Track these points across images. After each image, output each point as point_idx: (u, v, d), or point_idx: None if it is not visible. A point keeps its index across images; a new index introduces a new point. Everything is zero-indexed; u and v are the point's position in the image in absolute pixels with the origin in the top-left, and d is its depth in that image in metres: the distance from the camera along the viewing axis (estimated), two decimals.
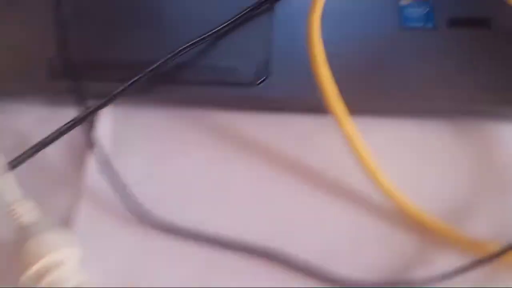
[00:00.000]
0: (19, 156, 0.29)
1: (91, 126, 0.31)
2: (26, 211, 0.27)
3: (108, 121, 0.32)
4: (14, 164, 0.28)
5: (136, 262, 0.29)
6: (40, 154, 0.29)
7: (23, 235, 0.26)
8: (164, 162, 0.31)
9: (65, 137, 0.30)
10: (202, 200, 0.30)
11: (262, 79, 0.31)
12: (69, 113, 0.30)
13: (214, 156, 0.31)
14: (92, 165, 0.31)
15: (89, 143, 0.31)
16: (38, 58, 0.33)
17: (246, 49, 0.32)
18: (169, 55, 0.31)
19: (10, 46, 0.34)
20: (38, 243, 0.26)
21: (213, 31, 0.32)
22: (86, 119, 0.30)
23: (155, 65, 0.31)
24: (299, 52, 0.29)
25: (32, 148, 0.29)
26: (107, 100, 0.30)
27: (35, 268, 0.25)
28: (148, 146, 0.32)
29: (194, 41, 0.31)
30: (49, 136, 0.29)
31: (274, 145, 0.31)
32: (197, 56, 0.32)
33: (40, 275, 0.25)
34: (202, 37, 0.31)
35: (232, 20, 0.32)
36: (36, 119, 0.33)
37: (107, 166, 0.30)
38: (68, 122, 0.30)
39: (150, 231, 0.29)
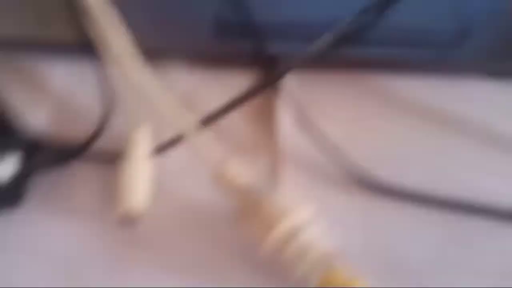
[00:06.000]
0: (205, 119, 0.28)
1: (274, 91, 0.31)
2: (237, 171, 0.26)
3: (292, 86, 0.31)
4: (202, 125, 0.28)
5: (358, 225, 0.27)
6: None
7: (247, 196, 0.25)
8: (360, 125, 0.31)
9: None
10: (411, 163, 0.29)
11: (458, 40, 0.30)
12: (234, 75, 0.31)
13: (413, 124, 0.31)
14: (286, 129, 0.30)
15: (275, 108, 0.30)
16: (202, 13, 0.32)
17: (438, 9, 0.31)
18: (357, 15, 0.29)
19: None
20: (275, 204, 0.24)
21: None
22: (271, 84, 0.30)
23: (342, 25, 0.29)
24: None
25: (217, 112, 0.29)
26: (291, 63, 0.29)
27: (280, 230, 0.24)
28: (337, 112, 0.31)
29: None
30: (233, 101, 0.29)
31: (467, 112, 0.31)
32: (384, 15, 0.31)
33: (286, 237, 0.24)
34: None
35: None
36: (199, 80, 0.32)
37: (306, 129, 0.29)
38: (254, 87, 0.30)
39: (367, 193, 0.28)
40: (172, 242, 0.26)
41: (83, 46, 0.30)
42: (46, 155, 0.26)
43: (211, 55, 0.32)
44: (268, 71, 0.31)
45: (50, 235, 0.26)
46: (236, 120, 0.30)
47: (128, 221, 0.25)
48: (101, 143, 0.29)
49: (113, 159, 0.28)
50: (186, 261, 0.26)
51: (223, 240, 0.26)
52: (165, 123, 0.27)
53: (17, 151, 0.24)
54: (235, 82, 0.31)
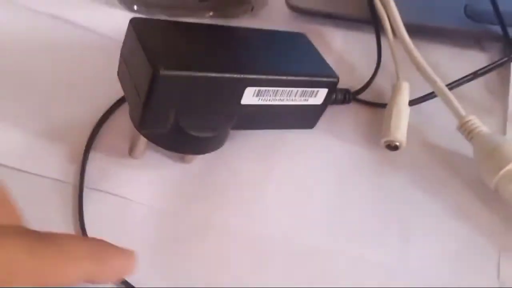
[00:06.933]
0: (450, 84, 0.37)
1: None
2: (479, 124, 0.34)
3: None
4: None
5: None
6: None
7: (487, 142, 0.34)
8: None
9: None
10: None
11: None
12: (476, 52, 0.40)
13: None
14: None
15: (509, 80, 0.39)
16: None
17: None
18: None
19: None
20: (509, 149, 0.33)
21: None
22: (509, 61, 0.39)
23: None
24: None
25: (461, 80, 0.38)
26: None
27: (508, 168, 0.32)
28: None
29: None
30: (475, 72, 0.38)
31: None
32: None
33: None
34: None
35: None
36: (448, 55, 0.42)
37: None
38: (493, 62, 0.38)
39: None
40: (418, 168, 0.36)
41: (361, 19, 0.42)
42: (337, 95, 0.37)
43: (460, 34, 0.41)
44: (507, 50, 0.39)
45: (332, 151, 0.37)
46: (476, 87, 0.39)
47: (392, 147, 0.35)
48: (368, 93, 0.39)
49: (377, 105, 0.38)
50: (431, 183, 0.35)
51: (459, 173, 0.35)
52: (420, 83, 0.37)
53: (325, 89, 0.35)
54: (477, 58, 0.40)
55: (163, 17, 0.45)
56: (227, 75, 0.30)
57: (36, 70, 0.39)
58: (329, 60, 0.37)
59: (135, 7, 0.44)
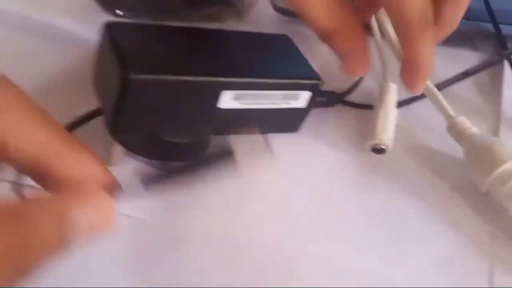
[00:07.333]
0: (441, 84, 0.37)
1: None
2: (469, 125, 0.34)
3: None
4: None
5: None
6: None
7: (478, 143, 0.33)
8: None
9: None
10: None
11: None
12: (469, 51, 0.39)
13: None
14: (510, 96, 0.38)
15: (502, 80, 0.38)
16: None
17: None
18: None
19: None
20: (501, 149, 0.32)
21: None
22: (502, 60, 0.38)
23: None
24: None
25: (452, 79, 0.37)
26: None
27: (501, 169, 0.31)
28: None
29: None
30: (465, 71, 0.37)
31: None
32: None
33: (505, 177, 0.31)
34: None
35: None
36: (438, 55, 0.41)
37: None
38: (485, 61, 0.38)
39: None
40: (406, 172, 0.35)
41: None
42: (321, 98, 0.36)
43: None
44: (500, 49, 0.38)
45: (317, 155, 0.36)
46: (467, 87, 0.38)
47: (378, 150, 0.34)
48: (356, 94, 0.38)
49: (363, 107, 0.37)
50: (420, 186, 0.34)
51: (448, 177, 0.34)
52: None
53: (307, 92, 0.34)
54: (469, 56, 0.40)
55: (148, 21, 0.44)
56: (200, 78, 0.29)
57: (16, 77, 0.39)
58: (316, 61, 0.36)
59: (119, 12, 0.44)
